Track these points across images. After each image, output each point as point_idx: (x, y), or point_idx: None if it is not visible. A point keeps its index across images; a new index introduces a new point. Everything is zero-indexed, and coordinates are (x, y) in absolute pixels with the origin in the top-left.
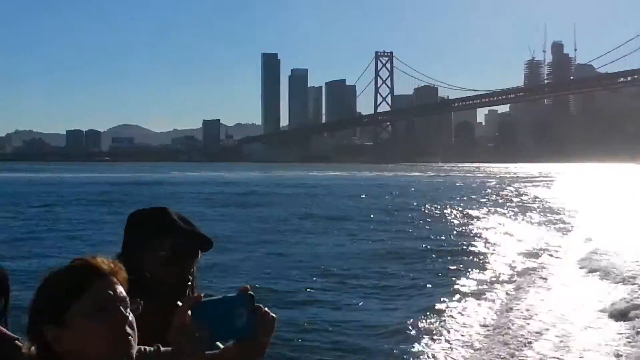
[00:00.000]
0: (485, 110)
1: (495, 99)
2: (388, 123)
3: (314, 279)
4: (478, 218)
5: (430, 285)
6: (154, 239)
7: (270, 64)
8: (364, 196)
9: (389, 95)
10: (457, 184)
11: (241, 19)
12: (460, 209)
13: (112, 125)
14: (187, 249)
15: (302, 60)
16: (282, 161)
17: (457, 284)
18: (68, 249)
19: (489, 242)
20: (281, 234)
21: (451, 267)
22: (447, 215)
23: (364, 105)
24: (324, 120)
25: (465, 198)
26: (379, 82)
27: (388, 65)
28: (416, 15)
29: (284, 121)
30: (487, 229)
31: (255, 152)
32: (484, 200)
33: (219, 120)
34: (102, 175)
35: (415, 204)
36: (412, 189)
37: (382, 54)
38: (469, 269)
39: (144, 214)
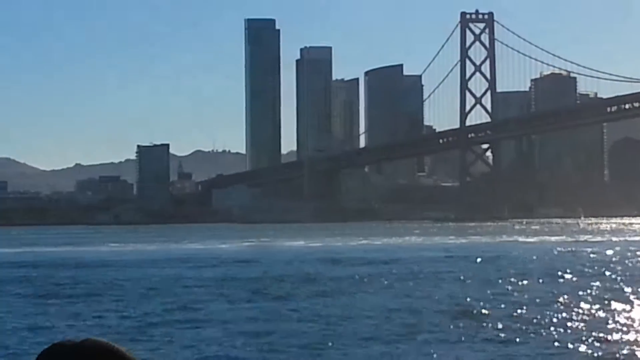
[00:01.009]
0: None
1: None
2: (486, 146)
3: None
4: None
5: None
6: None
7: (263, 38)
8: (499, 280)
9: (488, 94)
10: None
11: None
12: None
13: None
14: None
15: (321, 32)
16: (287, 220)
17: None
18: None
19: None
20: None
21: None
22: None
23: (440, 114)
24: (362, 142)
25: None
26: (469, 69)
27: (485, 38)
28: None
29: (289, 145)
30: None
31: (236, 204)
32: None
33: (167, 145)
34: None
35: (593, 294)
36: (575, 268)
37: (473, 17)
38: None
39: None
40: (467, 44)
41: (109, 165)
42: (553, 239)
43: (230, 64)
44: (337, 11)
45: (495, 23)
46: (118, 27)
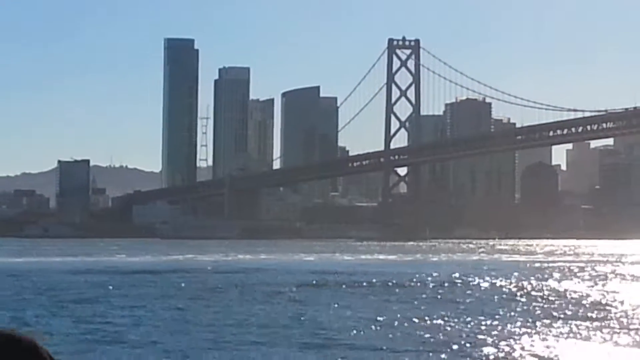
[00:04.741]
0: (569, 144)
1: (595, 127)
2: (400, 169)
3: None
4: None
5: None
6: None
7: (182, 57)
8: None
9: (412, 117)
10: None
11: None
12: None
13: None
14: None
15: (239, 52)
16: (214, 237)
17: None
18: None
19: None
20: None
21: None
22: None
23: (360, 137)
24: (278, 163)
25: None
26: (395, 93)
27: (411, 64)
28: None
29: (205, 162)
30: None
31: (157, 220)
32: None
33: (88, 161)
34: None
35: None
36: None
37: (400, 43)
38: None
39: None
40: (394, 68)
41: (4, 178)
42: (472, 257)
43: (148, 82)
44: (257, 32)
45: (421, 50)
46: (38, 39)
